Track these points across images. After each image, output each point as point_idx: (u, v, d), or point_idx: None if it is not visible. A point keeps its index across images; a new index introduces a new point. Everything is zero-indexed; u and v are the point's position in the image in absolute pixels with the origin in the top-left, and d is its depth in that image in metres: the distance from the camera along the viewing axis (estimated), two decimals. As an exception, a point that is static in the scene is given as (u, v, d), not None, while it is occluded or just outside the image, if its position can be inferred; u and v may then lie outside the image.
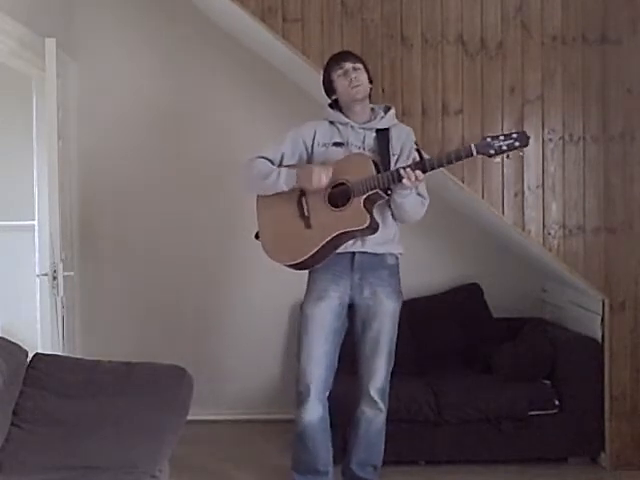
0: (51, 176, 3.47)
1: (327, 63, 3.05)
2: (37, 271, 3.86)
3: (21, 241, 4.50)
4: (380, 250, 2.97)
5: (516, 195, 3.48)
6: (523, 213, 3.49)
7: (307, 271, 3.03)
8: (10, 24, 3.38)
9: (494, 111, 3.46)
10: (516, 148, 2.77)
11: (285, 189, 2.91)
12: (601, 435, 3.57)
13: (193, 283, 4.37)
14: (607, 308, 3.52)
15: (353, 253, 2.95)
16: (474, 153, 2.78)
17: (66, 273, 3.45)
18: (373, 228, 2.87)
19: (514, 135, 2.78)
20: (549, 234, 3.49)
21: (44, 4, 3.92)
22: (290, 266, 2.96)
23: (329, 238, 2.87)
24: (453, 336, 4.08)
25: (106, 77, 4.33)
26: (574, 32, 3.44)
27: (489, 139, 2.78)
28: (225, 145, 4.22)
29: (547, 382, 3.62)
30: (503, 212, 3.48)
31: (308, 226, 2.91)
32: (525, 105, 3.46)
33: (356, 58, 3.01)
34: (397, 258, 3.05)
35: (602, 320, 3.54)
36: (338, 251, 2.92)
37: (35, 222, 3.93)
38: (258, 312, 4.34)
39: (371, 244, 2.94)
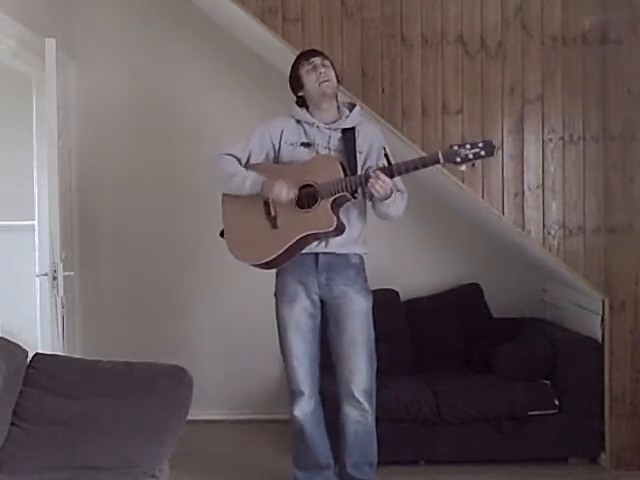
0: (51, 176, 3.47)
1: (294, 60, 3.05)
2: (37, 271, 3.86)
3: (21, 241, 4.49)
4: (343, 251, 2.97)
5: (516, 195, 3.48)
6: (523, 213, 3.48)
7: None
8: (10, 24, 3.38)
9: (494, 111, 3.46)
10: (482, 157, 2.76)
11: (249, 193, 2.91)
12: (601, 435, 3.57)
13: (193, 283, 4.37)
14: (607, 308, 3.51)
15: (317, 254, 2.96)
16: (441, 160, 2.77)
17: (66, 273, 3.45)
18: (340, 230, 2.88)
19: (480, 144, 2.76)
20: (549, 234, 3.49)
21: (44, 4, 3.92)
22: (256, 266, 2.97)
23: (295, 239, 2.87)
24: (453, 336, 4.08)
25: (106, 77, 4.33)
26: (574, 32, 3.44)
27: (455, 147, 2.77)
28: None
29: (547, 382, 3.62)
30: (503, 212, 3.48)
31: (274, 226, 2.90)
32: (525, 105, 3.46)
33: (325, 56, 3.02)
34: (362, 257, 3.05)
35: (602, 320, 3.54)
36: (302, 252, 2.92)
37: (35, 222, 3.93)
38: (258, 312, 4.32)
39: (334, 245, 2.94)
